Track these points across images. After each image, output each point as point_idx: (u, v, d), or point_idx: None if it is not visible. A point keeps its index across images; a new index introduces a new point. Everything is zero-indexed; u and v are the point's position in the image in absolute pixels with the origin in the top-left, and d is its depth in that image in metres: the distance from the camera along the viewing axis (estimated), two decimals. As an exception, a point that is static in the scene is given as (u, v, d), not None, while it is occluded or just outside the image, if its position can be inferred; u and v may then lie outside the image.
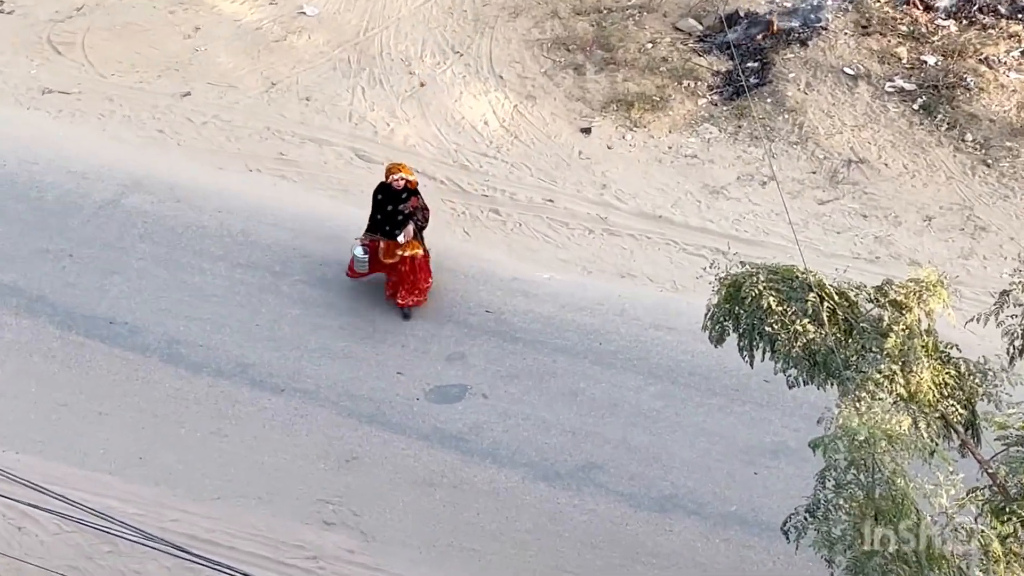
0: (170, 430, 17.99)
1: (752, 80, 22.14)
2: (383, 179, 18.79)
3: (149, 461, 17.64)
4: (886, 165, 20.91)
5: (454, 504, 17.22)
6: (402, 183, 18.57)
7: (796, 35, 22.71)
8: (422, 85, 22.46)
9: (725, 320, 11.83)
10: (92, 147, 21.51)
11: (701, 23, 23.25)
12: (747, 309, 11.63)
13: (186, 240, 20.14)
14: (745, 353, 11.87)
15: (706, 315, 11.94)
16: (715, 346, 12.05)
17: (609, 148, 21.46)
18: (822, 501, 10.48)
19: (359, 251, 18.75)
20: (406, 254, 18.68)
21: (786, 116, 21.59)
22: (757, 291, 11.46)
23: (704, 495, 17.14)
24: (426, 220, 18.94)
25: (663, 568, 16.52)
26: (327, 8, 23.77)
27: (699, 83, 22.26)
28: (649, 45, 22.84)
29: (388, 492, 17.37)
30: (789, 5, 23.30)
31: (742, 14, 23.24)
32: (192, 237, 20.16)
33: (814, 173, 20.87)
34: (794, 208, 20.09)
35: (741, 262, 12.31)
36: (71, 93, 22.40)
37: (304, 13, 23.68)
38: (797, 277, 11.60)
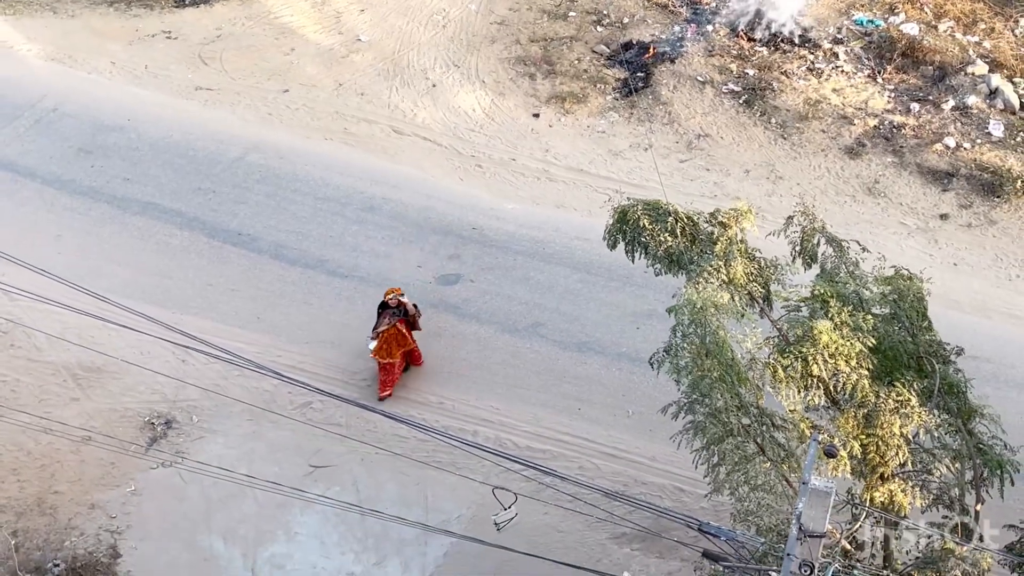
0: (276, 300, 17.86)
1: (640, 84, 21.75)
2: (383, 299, 16.31)
3: (264, 319, 17.54)
4: (722, 138, 20.66)
5: (453, 348, 17.18)
6: (395, 302, 16.18)
7: (668, 56, 22.25)
8: (434, 86, 22.04)
9: (617, 234, 11.73)
10: (226, 123, 21.03)
11: (609, 48, 22.79)
12: (630, 227, 11.54)
13: (286, 183, 19.77)
14: (629, 255, 11.81)
15: (605, 231, 11.85)
16: (610, 250, 11.96)
17: (550, 127, 21.12)
18: (673, 344, 10.49)
19: (372, 344, 16.10)
20: (394, 359, 16.15)
21: (661, 107, 21.25)
22: (636, 215, 11.38)
23: (605, 342, 17.14)
24: (415, 316, 16.40)
25: (580, 385, 16.56)
26: (374, 37, 23.21)
27: (607, 86, 21.85)
28: (576, 61, 22.41)
29: (412, 339, 17.38)
30: (664, 37, 22.85)
31: (634, 42, 22.80)
32: (290, 181, 19.79)
33: (677, 143, 20.60)
34: (665, 164, 19.90)
35: (628, 197, 12.20)
36: (213, 89, 21.87)
37: (360, 40, 23.13)
38: (662, 207, 11.51)
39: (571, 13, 23.60)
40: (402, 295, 16.41)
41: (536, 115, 21.33)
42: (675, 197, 17.67)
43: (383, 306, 16.37)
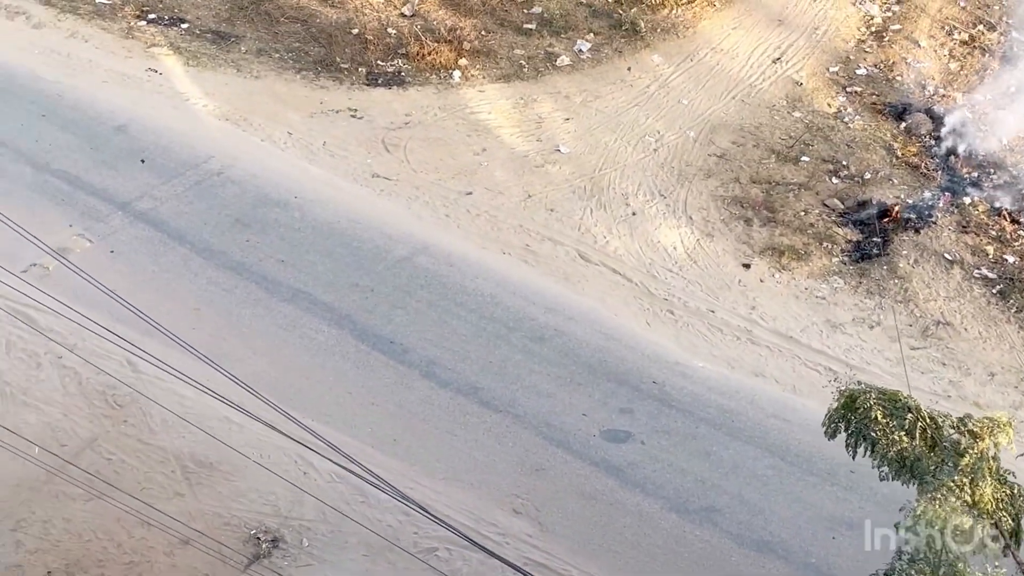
0: (418, 424, 18.04)
1: (874, 251, 21.47)
2: None
3: (400, 443, 17.69)
4: (965, 330, 20.03)
5: (608, 516, 16.89)
6: None
7: (912, 224, 21.93)
8: (633, 214, 22.32)
9: (839, 422, 11.42)
10: (399, 218, 21.76)
11: (843, 203, 22.65)
12: (857, 416, 11.22)
13: (452, 294, 20.19)
14: (850, 449, 11.44)
15: (826, 416, 11.54)
16: (829, 439, 11.62)
17: (761, 281, 20.97)
18: (897, 569, 10.00)
19: None
20: None
21: (896, 281, 20.84)
22: (868, 404, 11.06)
23: (792, 547, 16.51)
24: None
25: (754, 594, 16.01)
26: (576, 150, 23.78)
27: (835, 246, 21.64)
28: (802, 213, 22.34)
29: (562, 498, 17.13)
30: (910, 201, 22.58)
31: (874, 202, 22.60)
32: (456, 292, 20.19)
33: (911, 326, 20.07)
34: (892, 349, 19.42)
35: (859, 381, 11.87)
36: (391, 179, 22.73)
37: (559, 151, 23.75)
38: (900, 399, 11.16)
39: (804, 158, 23.67)
40: None
41: (747, 265, 21.25)
42: (900, 388, 17.19)
43: None
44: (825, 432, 11.55)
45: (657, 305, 20.47)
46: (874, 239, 21.73)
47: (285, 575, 15.70)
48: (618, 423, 18.16)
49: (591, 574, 16.04)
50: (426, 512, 12.74)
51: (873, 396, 11.10)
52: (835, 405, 11.43)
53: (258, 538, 16.20)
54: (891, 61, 26.36)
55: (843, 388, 11.50)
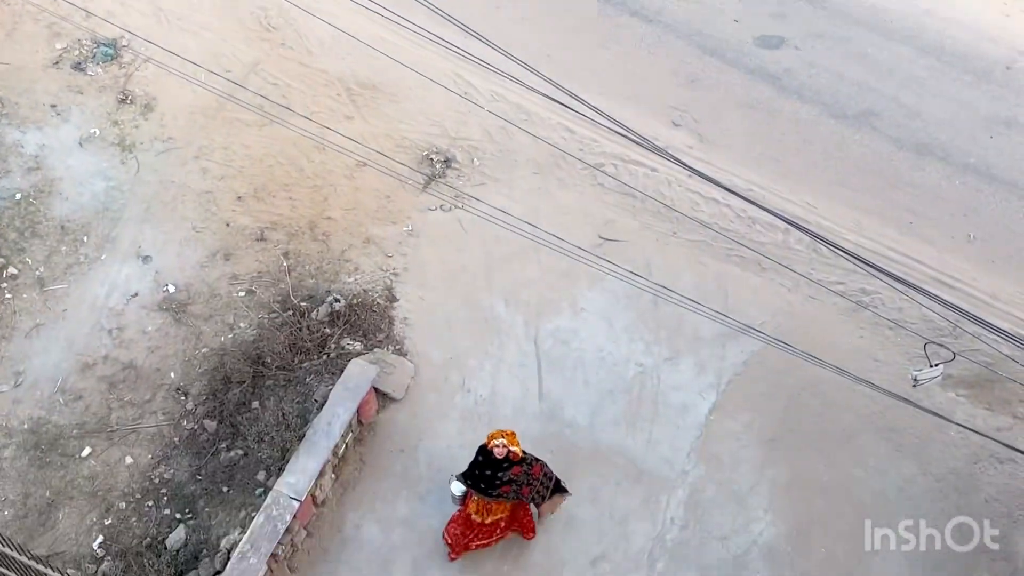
0: (571, 38, 17.52)
1: None
2: (484, 443, 11.99)
3: (553, 58, 16.86)
4: None
5: (767, 125, 16.81)
6: (504, 451, 11.73)
7: None
8: None
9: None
10: None
11: None
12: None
13: None
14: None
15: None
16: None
17: None
18: None
19: (457, 490, 12.32)
20: (498, 518, 12.53)
21: None
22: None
23: (950, 147, 16.48)
24: (545, 486, 12.21)
25: (915, 195, 16.09)
26: None
27: None
28: None
29: (720, 108, 16.99)
30: None
31: None
32: None
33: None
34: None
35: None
36: None
37: None
38: None
39: None
40: (516, 444, 11.90)
41: None
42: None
43: (483, 455, 12.10)
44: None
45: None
46: None
47: (463, 194, 16.01)
48: (770, 28, 17.64)
49: (755, 182, 16.19)
50: (602, 116, 12.72)
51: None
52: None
53: (431, 159, 16.37)
54: None
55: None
